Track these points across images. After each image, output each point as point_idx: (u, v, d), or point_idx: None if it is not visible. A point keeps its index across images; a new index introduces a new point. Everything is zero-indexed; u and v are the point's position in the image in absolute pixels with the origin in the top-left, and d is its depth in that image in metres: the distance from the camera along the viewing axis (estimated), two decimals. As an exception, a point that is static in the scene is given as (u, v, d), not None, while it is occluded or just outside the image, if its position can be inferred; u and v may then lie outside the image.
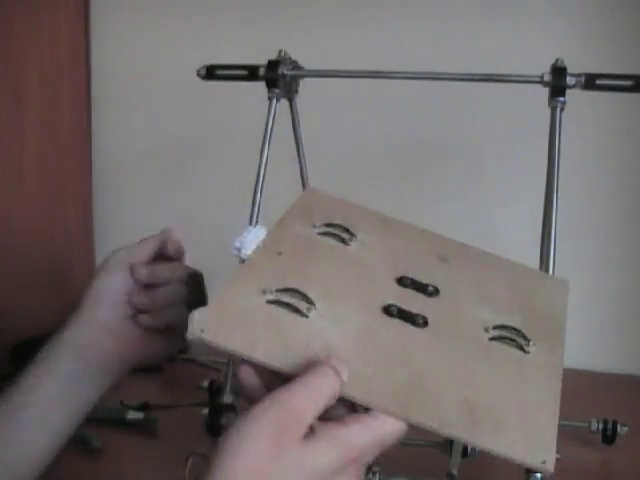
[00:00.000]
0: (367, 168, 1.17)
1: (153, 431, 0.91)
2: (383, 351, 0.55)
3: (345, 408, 0.51)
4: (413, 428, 0.51)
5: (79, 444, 0.85)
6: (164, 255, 0.70)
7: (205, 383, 0.93)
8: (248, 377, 0.52)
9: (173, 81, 1.20)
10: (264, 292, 0.57)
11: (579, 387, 1.02)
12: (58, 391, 0.63)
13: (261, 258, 0.61)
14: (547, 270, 0.74)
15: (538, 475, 0.68)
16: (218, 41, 1.17)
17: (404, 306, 0.59)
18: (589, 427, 0.86)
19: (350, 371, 0.51)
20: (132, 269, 0.67)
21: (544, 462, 0.50)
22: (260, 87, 0.84)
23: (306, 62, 0.86)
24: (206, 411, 0.85)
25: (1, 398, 0.62)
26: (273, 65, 0.83)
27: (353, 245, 0.66)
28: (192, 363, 1.08)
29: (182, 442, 0.82)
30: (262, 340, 0.53)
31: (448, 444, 0.75)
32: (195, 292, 0.70)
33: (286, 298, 0.57)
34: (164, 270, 0.68)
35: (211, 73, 0.87)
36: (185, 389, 0.92)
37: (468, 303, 0.62)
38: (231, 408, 0.83)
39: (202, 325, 0.52)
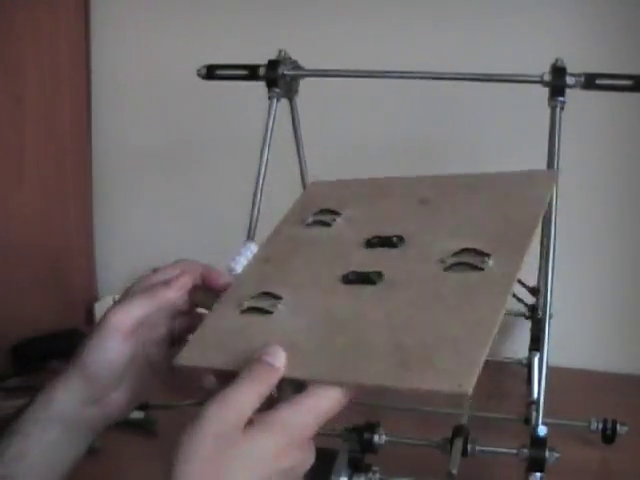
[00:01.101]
0: (367, 168, 1.16)
1: (153, 431, 0.91)
2: (332, 322, 0.58)
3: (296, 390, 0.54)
4: (361, 400, 0.55)
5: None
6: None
7: (205, 383, 0.93)
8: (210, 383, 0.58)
9: (173, 81, 1.20)
10: (240, 305, 0.61)
11: (579, 387, 1.03)
12: (43, 461, 0.61)
13: (247, 272, 0.66)
14: (547, 270, 0.73)
15: (538, 475, 0.69)
16: (218, 41, 1.17)
17: (366, 267, 0.62)
18: (589, 427, 0.86)
19: (296, 354, 0.55)
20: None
21: (460, 385, 0.50)
22: (260, 87, 0.84)
23: (306, 62, 0.86)
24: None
25: None
26: (273, 65, 0.83)
27: (334, 225, 0.69)
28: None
29: (182, 442, 0.82)
30: (231, 350, 0.57)
31: (448, 444, 0.75)
32: None
33: (258, 303, 0.61)
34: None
35: (211, 73, 0.87)
36: (185, 389, 0.92)
37: (432, 240, 0.64)
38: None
39: (183, 355, 0.59)
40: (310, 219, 0.70)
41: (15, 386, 1.03)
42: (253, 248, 0.68)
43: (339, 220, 0.69)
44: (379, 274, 0.61)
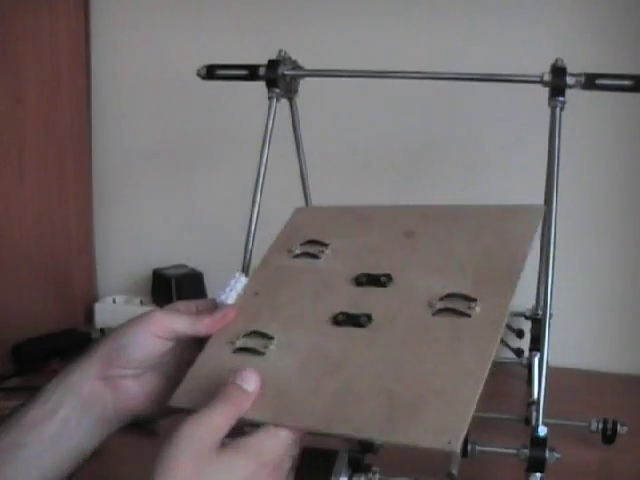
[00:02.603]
0: (367, 168, 1.17)
1: (153, 431, 0.91)
2: (323, 364, 0.59)
3: None
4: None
5: (79, 444, 0.85)
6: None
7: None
8: None
9: (173, 81, 1.20)
10: (232, 343, 0.63)
11: (579, 387, 1.03)
12: (55, 436, 0.62)
13: (239, 305, 0.67)
14: (547, 270, 0.73)
15: (538, 475, 0.69)
16: (218, 41, 1.17)
17: (354, 309, 0.63)
18: (589, 427, 0.86)
19: (286, 401, 0.57)
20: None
21: (449, 442, 0.51)
22: (260, 87, 0.84)
23: (306, 62, 0.86)
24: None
25: (2, 432, 0.61)
26: (273, 65, 0.83)
27: (323, 257, 0.70)
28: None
29: (182, 442, 0.82)
30: None
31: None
32: None
33: (249, 343, 0.63)
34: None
35: (211, 73, 0.87)
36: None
37: (420, 280, 0.64)
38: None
39: (179, 396, 0.61)
40: (297, 250, 0.71)
41: (15, 386, 1.03)
42: (243, 280, 0.69)
43: (327, 252, 0.70)
44: (368, 317, 0.62)
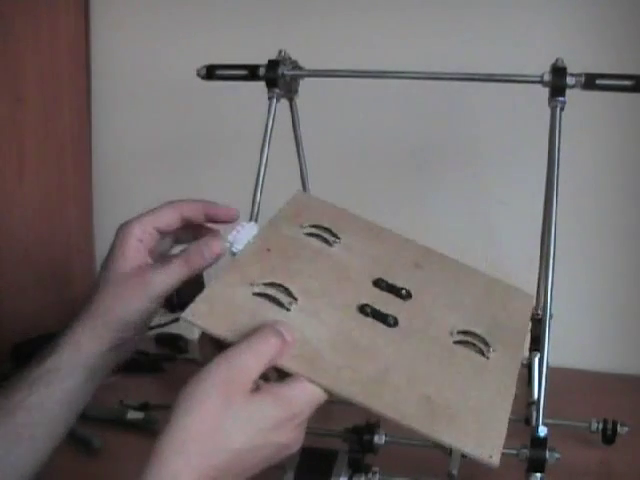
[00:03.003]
0: (367, 168, 1.17)
1: (153, 431, 0.91)
2: (355, 346, 0.59)
3: None
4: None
5: (79, 444, 0.85)
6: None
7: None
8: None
9: (173, 81, 1.20)
10: (251, 284, 0.61)
11: (579, 387, 1.02)
12: (62, 409, 0.63)
13: (251, 253, 0.65)
14: (547, 270, 0.73)
15: (538, 475, 0.69)
16: (218, 41, 1.17)
17: (378, 307, 0.63)
18: (589, 427, 0.86)
19: (321, 363, 0.56)
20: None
21: (491, 457, 0.54)
22: (260, 87, 0.84)
23: (306, 62, 0.86)
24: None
25: (3, 394, 0.62)
26: (273, 65, 0.83)
27: (336, 247, 0.70)
28: (192, 363, 1.08)
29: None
30: (244, 330, 0.57)
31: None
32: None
33: (271, 291, 0.61)
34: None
35: (211, 73, 0.87)
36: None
37: (437, 308, 0.66)
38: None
39: (193, 311, 0.58)
40: (307, 227, 0.71)
41: (15, 386, 1.03)
42: (254, 229, 0.67)
43: (340, 244, 0.70)
44: (395, 319, 0.63)
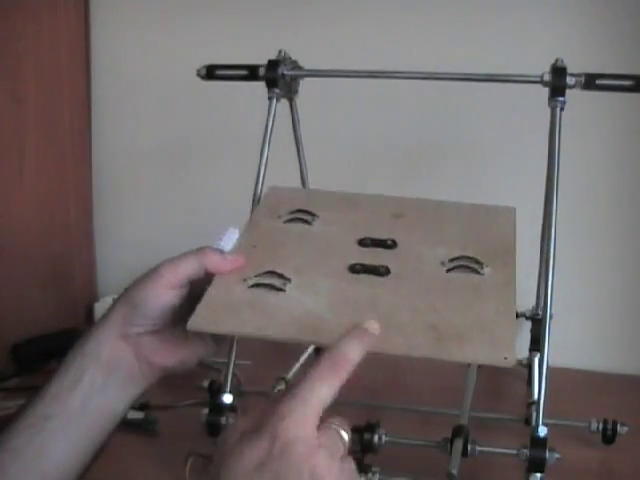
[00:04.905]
0: (367, 168, 1.17)
1: (153, 431, 0.91)
2: (355, 303, 0.62)
3: None
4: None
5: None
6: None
7: (205, 383, 0.93)
8: None
9: (173, 81, 1.20)
10: (245, 280, 0.64)
11: (579, 387, 1.02)
12: (82, 402, 0.61)
13: (238, 253, 0.68)
14: (547, 271, 0.74)
15: (538, 475, 0.69)
16: (218, 41, 1.17)
17: (367, 262, 0.66)
18: (589, 427, 0.86)
19: (327, 324, 0.58)
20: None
21: (506, 358, 0.55)
22: (260, 87, 0.84)
23: (306, 62, 0.86)
24: (206, 411, 0.85)
25: (27, 408, 0.61)
26: (273, 65, 0.83)
27: (316, 224, 0.73)
28: (192, 363, 1.08)
29: (182, 442, 0.82)
30: (249, 319, 0.60)
31: (448, 444, 0.75)
32: None
33: (265, 280, 0.64)
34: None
35: (211, 73, 0.87)
36: (185, 389, 0.92)
37: (424, 247, 0.69)
38: (231, 408, 0.83)
39: (196, 320, 0.60)
40: (286, 216, 0.74)
41: (15, 386, 1.03)
42: (236, 234, 0.71)
43: (319, 221, 0.73)
44: (386, 268, 0.65)
